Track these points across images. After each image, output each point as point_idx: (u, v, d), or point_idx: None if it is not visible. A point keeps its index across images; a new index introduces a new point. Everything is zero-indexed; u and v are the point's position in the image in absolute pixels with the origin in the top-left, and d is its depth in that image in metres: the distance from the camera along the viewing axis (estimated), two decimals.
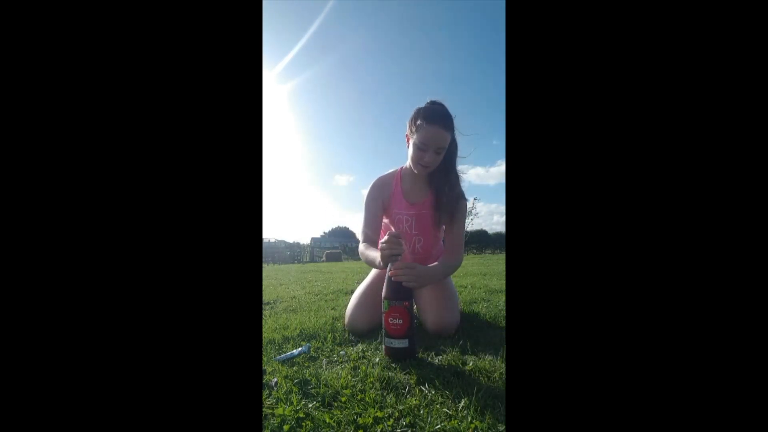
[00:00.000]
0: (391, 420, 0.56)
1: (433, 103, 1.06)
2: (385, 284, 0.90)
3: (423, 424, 0.55)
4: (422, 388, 0.68)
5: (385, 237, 0.91)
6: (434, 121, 1.00)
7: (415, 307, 1.14)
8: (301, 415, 0.59)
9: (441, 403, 0.62)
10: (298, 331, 1.16)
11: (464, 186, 1.15)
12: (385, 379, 0.72)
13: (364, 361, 0.86)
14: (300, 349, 0.94)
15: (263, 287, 2.76)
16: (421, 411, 0.59)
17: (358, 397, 0.64)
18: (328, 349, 0.96)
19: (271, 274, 4.87)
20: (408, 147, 1.09)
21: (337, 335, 1.09)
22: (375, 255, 1.02)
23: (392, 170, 1.24)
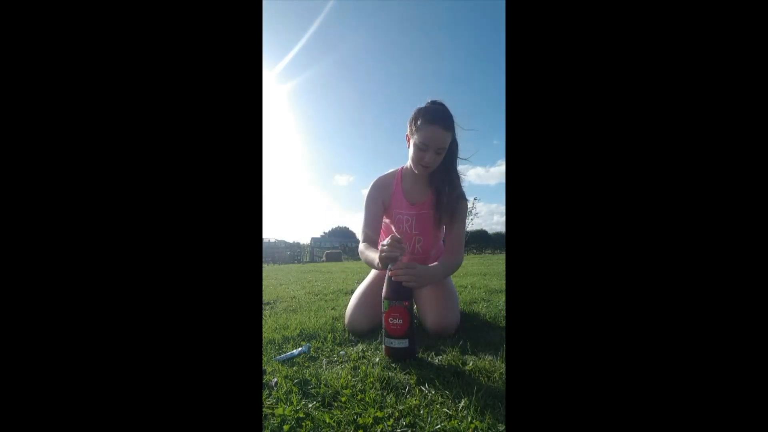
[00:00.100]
0: (391, 420, 0.56)
1: (433, 103, 1.06)
2: (385, 284, 0.90)
3: (423, 424, 0.55)
4: (422, 388, 0.68)
5: (387, 239, 0.91)
6: (434, 121, 1.00)
7: (415, 307, 1.14)
8: (301, 415, 0.59)
9: (441, 403, 0.62)
10: (298, 331, 1.16)
11: (464, 186, 1.15)
12: (385, 379, 0.72)
13: (364, 361, 0.86)
14: (300, 349, 0.94)
15: (263, 287, 2.76)
16: (421, 411, 0.59)
17: (358, 397, 0.64)
18: (328, 349, 0.96)
19: (271, 274, 4.87)
20: (408, 147, 1.09)
21: (337, 335, 1.09)
22: (374, 256, 1.02)
23: (392, 170, 1.24)
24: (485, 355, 0.87)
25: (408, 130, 1.08)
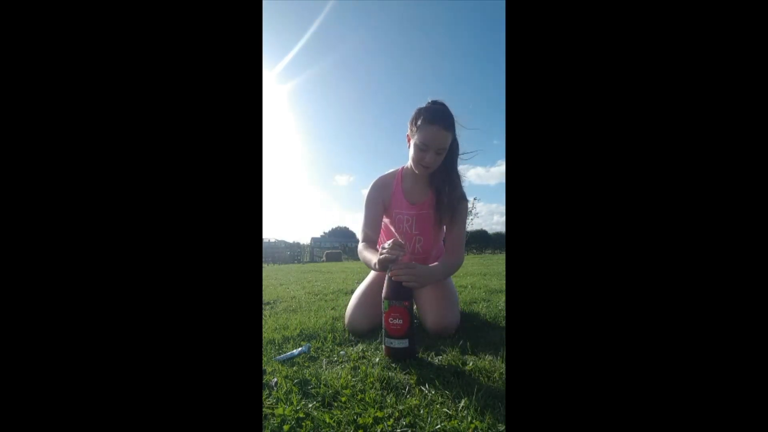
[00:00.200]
0: (391, 420, 0.56)
1: (434, 102, 1.05)
2: (385, 284, 0.90)
3: (423, 424, 0.55)
4: (422, 388, 0.68)
5: (388, 243, 0.91)
6: (435, 121, 1.00)
7: (415, 307, 1.14)
8: (301, 415, 0.59)
9: (441, 403, 0.62)
10: (298, 331, 1.16)
11: (464, 186, 1.15)
12: (385, 379, 0.72)
13: (364, 361, 0.86)
14: (300, 349, 0.94)
15: (263, 287, 2.76)
16: (421, 411, 0.59)
17: (358, 397, 0.64)
18: (328, 349, 0.96)
19: (271, 274, 4.87)
20: (409, 147, 1.09)
21: (337, 335, 1.09)
22: (371, 257, 1.02)
23: (393, 170, 1.24)
24: (485, 355, 0.87)
25: (408, 130, 1.08)
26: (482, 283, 2.38)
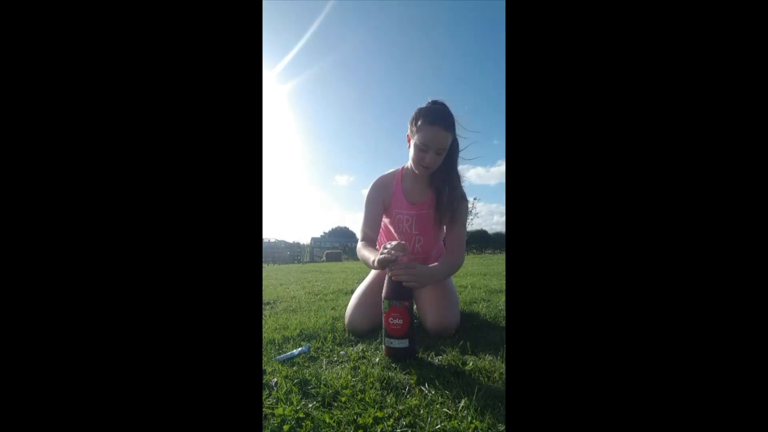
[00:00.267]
0: (391, 420, 0.56)
1: (434, 102, 1.05)
2: (385, 284, 0.90)
3: (423, 424, 0.55)
4: (422, 388, 0.68)
5: (390, 243, 0.91)
6: (435, 121, 1.00)
7: (415, 307, 1.14)
8: (301, 415, 0.59)
9: (441, 403, 0.62)
10: (298, 331, 1.16)
11: (464, 186, 1.15)
12: (385, 379, 0.72)
13: (364, 361, 0.86)
14: (300, 349, 0.94)
15: (263, 287, 2.76)
16: (421, 411, 0.59)
17: (358, 397, 0.64)
18: (328, 349, 0.96)
19: (271, 274, 4.87)
20: (409, 147, 1.09)
21: (337, 335, 1.09)
22: (370, 255, 1.01)
23: (393, 170, 1.24)
24: (485, 355, 0.87)
25: (408, 130, 1.08)
26: (482, 283, 2.38)
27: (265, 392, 0.69)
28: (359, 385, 0.70)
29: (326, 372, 0.78)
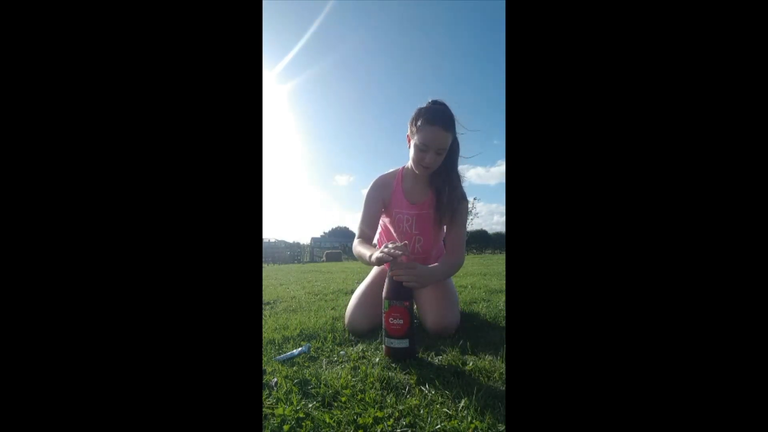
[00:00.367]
0: (391, 420, 0.56)
1: (434, 102, 1.05)
2: (385, 284, 0.90)
3: (423, 424, 0.55)
4: (422, 388, 0.68)
5: (392, 243, 0.90)
6: (435, 122, 1.00)
7: (415, 307, 1.14)
8: (301, 415, 0.59)
9: (441, 403, 0.62)
10: (298, 331, 1.16)
11: (464, 186, 1.15)
12: (385, 379, 0.72)
13: (364, 361, 0.86)
14: (300, 349, 0.94)
15: (263, 287, 2.76)
16: (421, 411, 0.59)
17: (358, 397, 0.64)
18: (328, 349, 0.96)
19: (271, 274, 4.87)
20: (409, 147, 1.08)
21: (337, 335, 1.09)
22: (367, 251, 1.01)
23: (393, 170, 1.24)
24: (485, 355, 0.87)
25: (408, 130, 1.07)
26: (482, 283, 2.38)
27: (265, 392, 0.69)
28: (359, 385, 0.70)
29: (326, 372, 0.78)
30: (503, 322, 1.23)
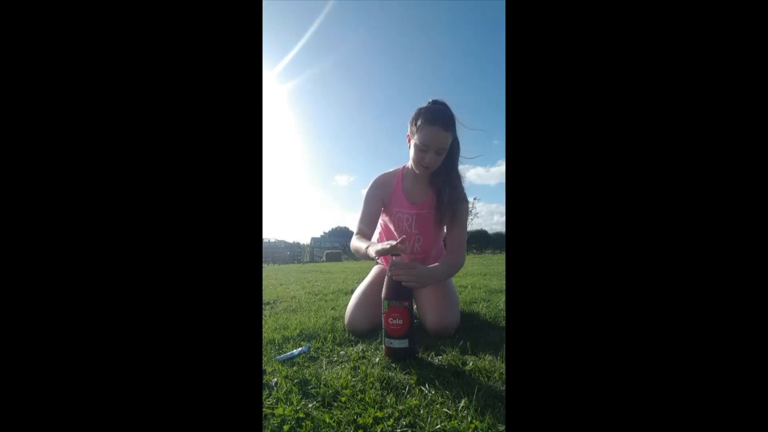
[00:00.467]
0: (391, 420, 0.56)
1: (434, 102, 1.05)
2: (385, 284, 0.90)
3: (423, 424, 0.55)
4: (422, 388, 0.68)
5: (393, 242, 0.88)
6: (435, 121, 0.99)
7: (415, 307, 1.14)
8: (301, 415, 0.59)
9: (441, 403, 0.62)
10: (298, 331, 1.16)
11: (465, 186, 1.15)
12: (385, 379, 0.72)
13: (364, 361, 0.86)
14: (300, 349, 0.94)
15: (263, 287, 2.76)
16: (421, 411, 0.59)
17: (358, 397, 0.64)
18: (328, 349, 0.96)
19: (271, 274, 4.87)
20: (409, 147, 1.08)
21: (337, 335, 1.09)
22: (364, 244, 1.01)
23: (394, 169, 1.24)
24: (485, 355, 0.87)
25: (408, 130, 1.07)
26: (482, 283, 2.38)
27: (265, 392, 0.69)
28: (359, 385, 0.70)
29: (326, 372, 0.78)
30: (503, 322, 1.23)
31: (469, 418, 0.55)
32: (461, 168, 1.14)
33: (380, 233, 1.29)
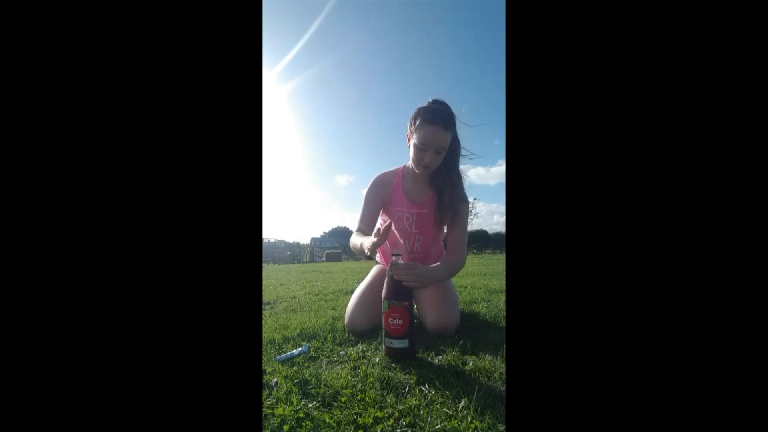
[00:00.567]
0: (391, 420, 0.56)
1: (434, 102, 1.05)
2: (385, 284, 0.90)
3: (423, 424, 0.55)
4: (422, 388, 0.68)
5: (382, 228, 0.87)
6: (434, 121, 0.99)
7: (415, 307, 1.14)
8: (301, 415, 0.59)
9: (441, 403, 0.62)
10: (298, 331, 1.16)
11: (465, 186, 1.15)
12: (385, 379, 0.72)
13: (364, 361, 0.86)
14: (300, 349, 0.94)
15: (263, 287, 2.76)
16: (421, 411, 0.59)
17: (358, 397, 0.64)
18: (328, 349, 0.96)
19: (271, 274, 4.87)
20: (409, 147, 1.08)
21: (337, 335, 1.09)
22: (362, 240, 1.00)
23: (394, 168, 1.24)
24: (485, 355, 0.87)
25: (408, 129, 1.07)
26: (482, 283, 2.38)
27: (265, 392, 0.69)
28: (359, 385, 0.70)
29: (326, 372, 0.78)
30: (503, 322, 1.23)
31: (469, 418, 0.55)
32: (463, 168, 1.13)
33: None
